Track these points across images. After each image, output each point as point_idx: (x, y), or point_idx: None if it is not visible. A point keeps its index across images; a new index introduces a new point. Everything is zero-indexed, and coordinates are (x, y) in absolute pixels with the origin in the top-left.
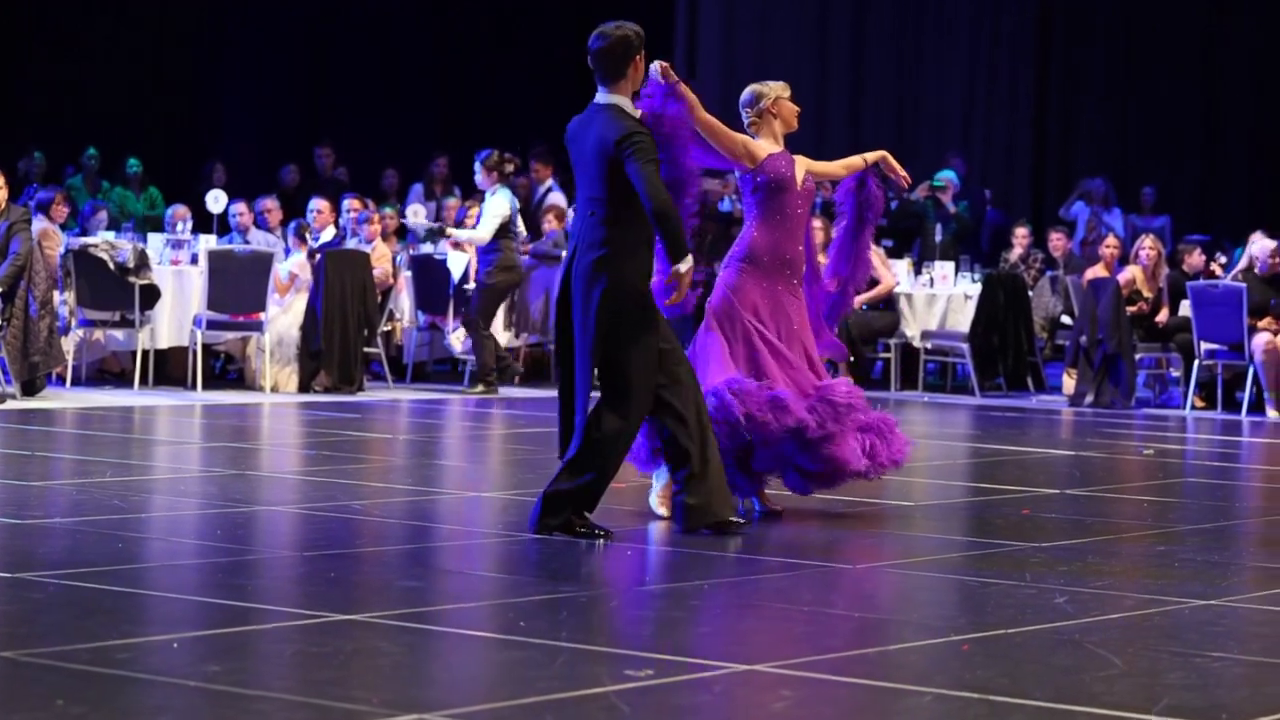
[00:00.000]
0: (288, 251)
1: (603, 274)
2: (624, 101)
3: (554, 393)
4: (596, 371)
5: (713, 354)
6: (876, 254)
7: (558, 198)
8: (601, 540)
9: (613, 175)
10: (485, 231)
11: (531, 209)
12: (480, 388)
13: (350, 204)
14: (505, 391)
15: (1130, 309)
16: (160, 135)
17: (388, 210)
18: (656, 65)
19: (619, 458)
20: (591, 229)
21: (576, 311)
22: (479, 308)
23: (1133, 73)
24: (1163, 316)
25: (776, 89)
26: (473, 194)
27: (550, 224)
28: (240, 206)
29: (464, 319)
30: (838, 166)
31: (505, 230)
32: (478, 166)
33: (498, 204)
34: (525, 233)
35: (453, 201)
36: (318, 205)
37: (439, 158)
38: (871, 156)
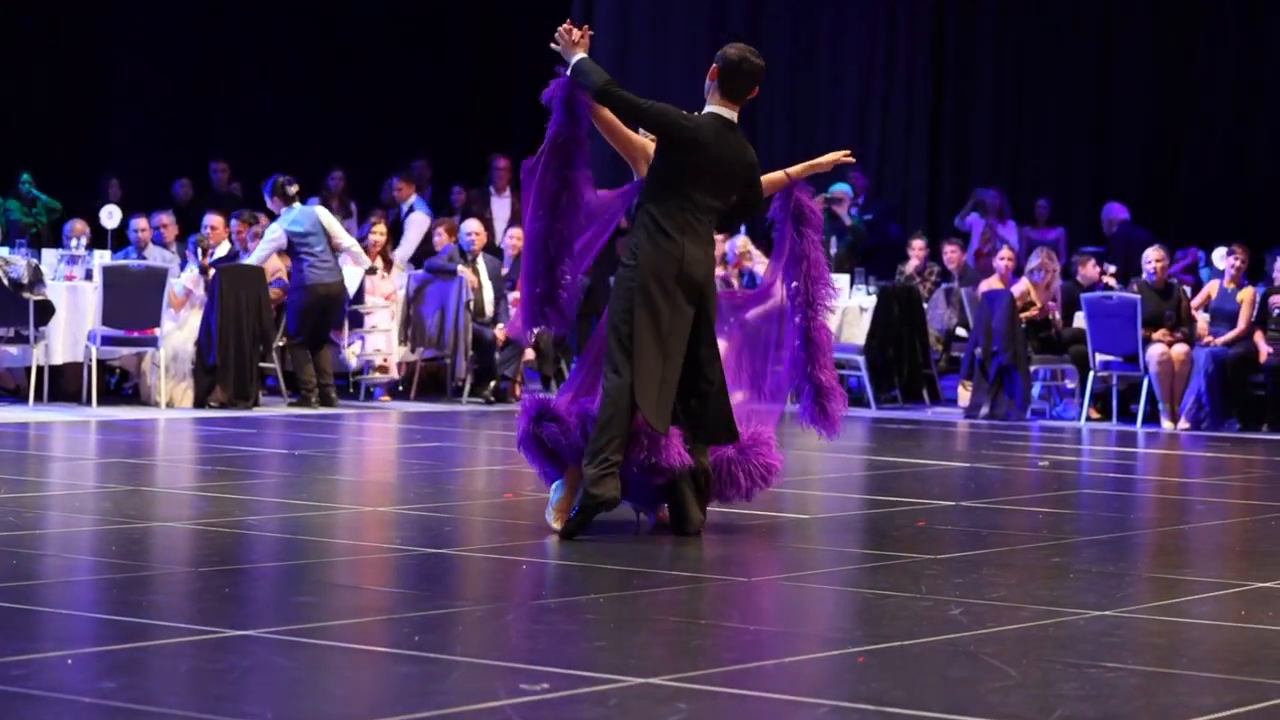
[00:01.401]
0: (183, 266)
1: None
2: None
3: (451, 407)
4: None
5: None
6: (766, 266)
7: (420, 218)
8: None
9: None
10: (254, 257)
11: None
12: (314, 400)
13: (237, 225)
14: (402, 406)
15: (1024, 314)
16: (53, 149)
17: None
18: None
19: None
20: (708, 231)
21: (703, 309)
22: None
23: (1025, 86)
24: (1052, 307)
25: None
26: (373, 209)
27: (443, 238)
28: (140, 222)
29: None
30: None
31: (293, 251)
32: (266, 195)
33: (272, 229)
34: (348, 246)
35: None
36: (211, 221)
37: (335, 172)
38: (795, 170)
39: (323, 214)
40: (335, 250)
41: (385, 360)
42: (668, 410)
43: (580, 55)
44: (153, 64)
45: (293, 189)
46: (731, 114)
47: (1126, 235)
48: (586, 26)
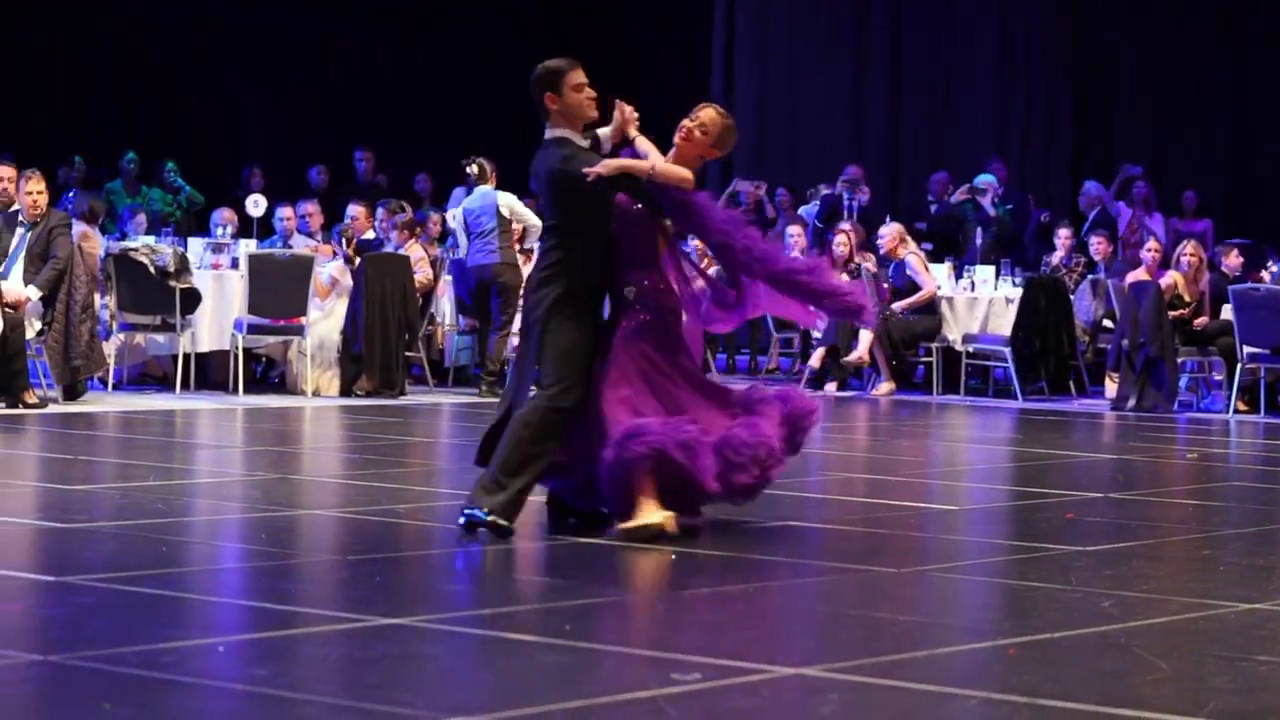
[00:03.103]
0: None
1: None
2: (565, 133)
3: None
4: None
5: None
6: (918, 258)
7: None
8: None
9: (560, 202)
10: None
11: None
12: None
13: (383, 214)
14: None
15: (1172, 314)
16: (195, 138)
17: (434, 214)
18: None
19: None
20: (542, 248)
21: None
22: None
23: (1165, 77)
24: (1201, 321)
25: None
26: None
27: None
28: (286, 211)
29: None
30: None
31: (466, 228)
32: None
33: (455, 209)
34: (533, 224)
35: None
36: (354, 210)
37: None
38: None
39: (504, 197)
40: (519, 235)
41: None
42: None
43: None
44: (285, 54)
45: (472, 169)
46: (551, 132)
47: (1105, 216)
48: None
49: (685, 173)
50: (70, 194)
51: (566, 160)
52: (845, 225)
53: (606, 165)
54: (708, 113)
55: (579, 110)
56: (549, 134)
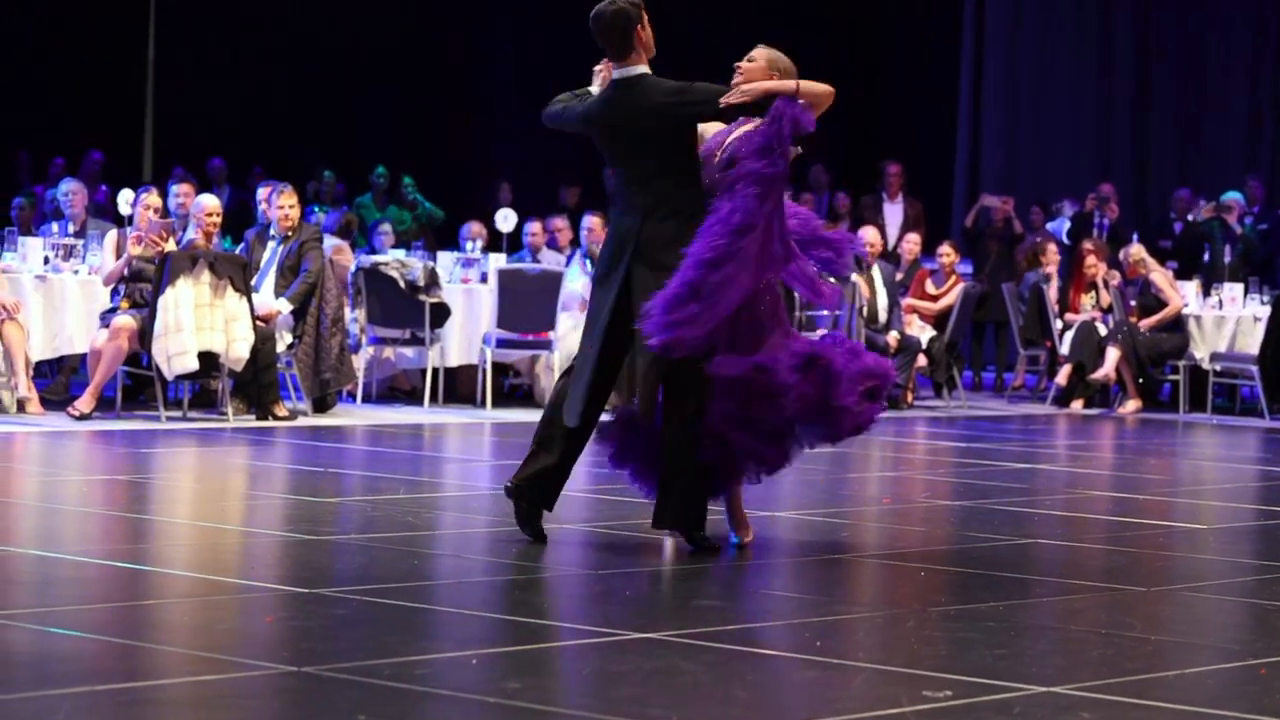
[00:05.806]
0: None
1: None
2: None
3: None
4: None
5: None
6: (1164, 275)
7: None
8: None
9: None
10: None
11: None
12: None
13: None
14: None
15: None
16: (441, 153)
17: None
18: None
19: None
20: (643, 199)
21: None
22: None
23: None
24: None
25: None
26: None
27: None
28: (535, 226)
29: None
30: None
31: None
32: None
33: None
34: None
35: None
36: (589, 223)
37: None
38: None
39: None
40: None
41: None
42: (576, 406)
43: None
44: (532, 68)
45: None
46: (623, 71)
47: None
48: None
49: (827, 86)
50: (318, 209)
51: (682, 92)
52: (1089, 244)
53: (750, 90)
54: (755, 50)
55: (651, 45)
56: (630, 72)
